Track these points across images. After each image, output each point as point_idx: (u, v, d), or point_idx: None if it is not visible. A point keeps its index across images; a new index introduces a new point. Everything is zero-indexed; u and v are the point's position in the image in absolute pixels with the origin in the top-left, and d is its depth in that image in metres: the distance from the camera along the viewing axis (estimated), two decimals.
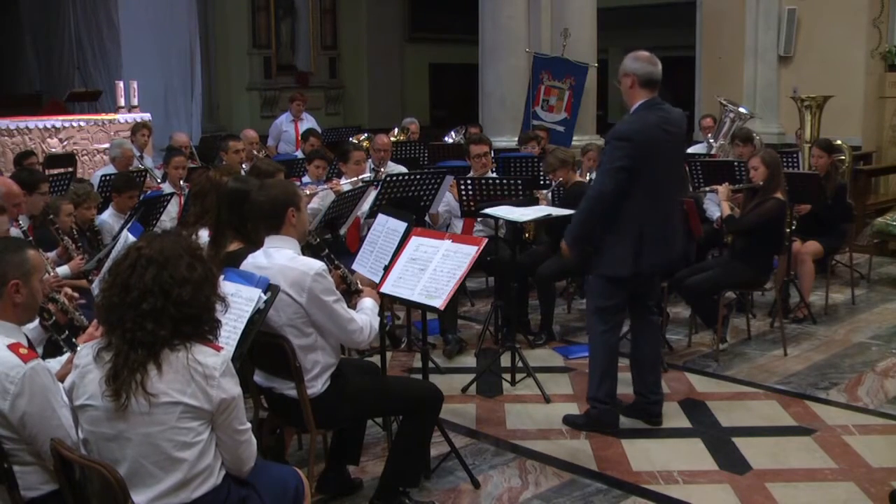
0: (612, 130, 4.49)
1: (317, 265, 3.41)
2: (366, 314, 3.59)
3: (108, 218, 6.05)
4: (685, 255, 6.04)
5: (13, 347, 2.62)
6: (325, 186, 6.50)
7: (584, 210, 4.49)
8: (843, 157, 8.28)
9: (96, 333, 2.81)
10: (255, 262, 3.46)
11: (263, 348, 3.43)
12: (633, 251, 4.38)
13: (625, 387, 4.82)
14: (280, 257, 3.42)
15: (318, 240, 3.86)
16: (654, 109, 4.43)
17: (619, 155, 4.32)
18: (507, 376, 5.34)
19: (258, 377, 3.65)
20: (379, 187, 5.88)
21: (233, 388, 2.50)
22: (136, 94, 10.21)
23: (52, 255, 5.00)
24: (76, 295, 3.62)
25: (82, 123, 9.59)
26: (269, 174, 4.91)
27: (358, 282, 3.84)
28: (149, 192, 7.07)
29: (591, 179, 6.47)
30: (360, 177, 6.64)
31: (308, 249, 3.69)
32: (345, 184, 6.49)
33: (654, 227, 4.40)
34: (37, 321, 3.16)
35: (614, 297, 4.54)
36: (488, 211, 5.37)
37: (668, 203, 4.51)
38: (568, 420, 4.76)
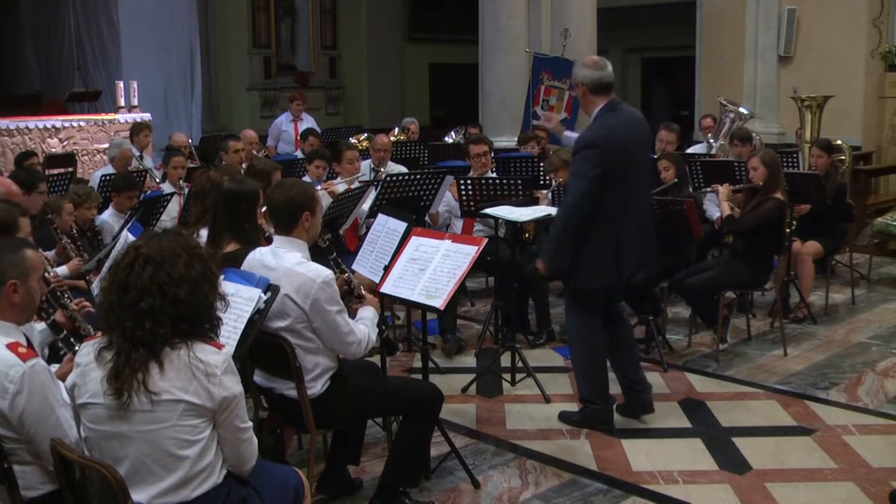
0: (577, 139, 4.36)
1: (324, 273, 3.38)
2: (365, 325, 3.57)
3: (108, 218, 6.05)
4: (686, 259, 6.06)
5: (12, 346, 2.62)
6: (320, 189, 6.45)
7: (560, 224, 4.34)
8: (843, 157, 8.28)
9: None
10: (261, 259, 3.45)
11: (263, 348, 3.42)
12: (612, 261, 4.34)
13: (617, 386, 4.80)
14: (288, 259, 3.40)
15: (327, 243, 3.85)
16: (616, 111, 4.34)
17: (590, 164, 4.20)
18: (507, 376, 5.33)
19: (258, 377, 3.64)
20: (379, 187, 5.87)
21: (234, 385, 2.50)
22: (136, 94, 10.21)
23: (50, 254, 5.00)
24: (87, 305, 3.60)
25: (82, 123, 9.59)
26: (265, 173, 4.91)
27: (361, 288, 3.83)
28: (149, 192, 7.07)
29: None
30: (355, 176, 6.62)
31: (316, 252, 3.67)
32: (339, 184, 6.48)
33: (629, 234, 4.35)
34: (44, 323, 3.17)
35: (590, 304, 4.51)
36: (488, 211, 5.37)
37: (641, 207, 4.45)
38: (564, 416, 4.76)
